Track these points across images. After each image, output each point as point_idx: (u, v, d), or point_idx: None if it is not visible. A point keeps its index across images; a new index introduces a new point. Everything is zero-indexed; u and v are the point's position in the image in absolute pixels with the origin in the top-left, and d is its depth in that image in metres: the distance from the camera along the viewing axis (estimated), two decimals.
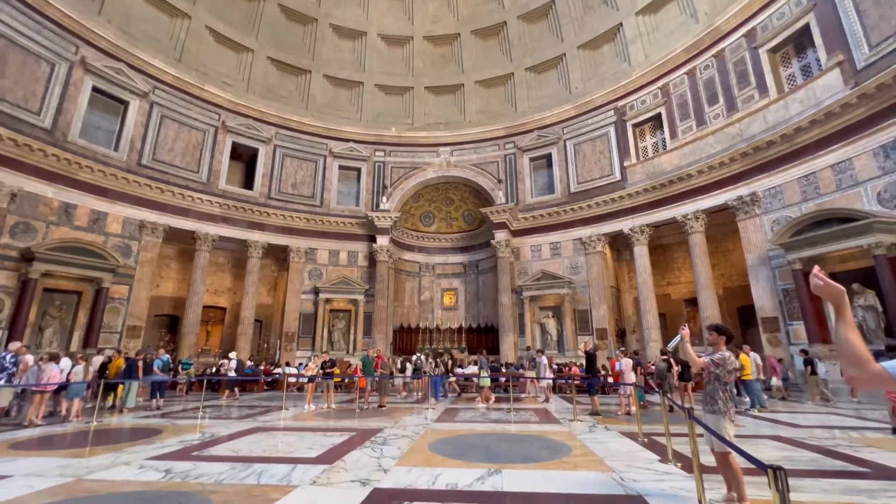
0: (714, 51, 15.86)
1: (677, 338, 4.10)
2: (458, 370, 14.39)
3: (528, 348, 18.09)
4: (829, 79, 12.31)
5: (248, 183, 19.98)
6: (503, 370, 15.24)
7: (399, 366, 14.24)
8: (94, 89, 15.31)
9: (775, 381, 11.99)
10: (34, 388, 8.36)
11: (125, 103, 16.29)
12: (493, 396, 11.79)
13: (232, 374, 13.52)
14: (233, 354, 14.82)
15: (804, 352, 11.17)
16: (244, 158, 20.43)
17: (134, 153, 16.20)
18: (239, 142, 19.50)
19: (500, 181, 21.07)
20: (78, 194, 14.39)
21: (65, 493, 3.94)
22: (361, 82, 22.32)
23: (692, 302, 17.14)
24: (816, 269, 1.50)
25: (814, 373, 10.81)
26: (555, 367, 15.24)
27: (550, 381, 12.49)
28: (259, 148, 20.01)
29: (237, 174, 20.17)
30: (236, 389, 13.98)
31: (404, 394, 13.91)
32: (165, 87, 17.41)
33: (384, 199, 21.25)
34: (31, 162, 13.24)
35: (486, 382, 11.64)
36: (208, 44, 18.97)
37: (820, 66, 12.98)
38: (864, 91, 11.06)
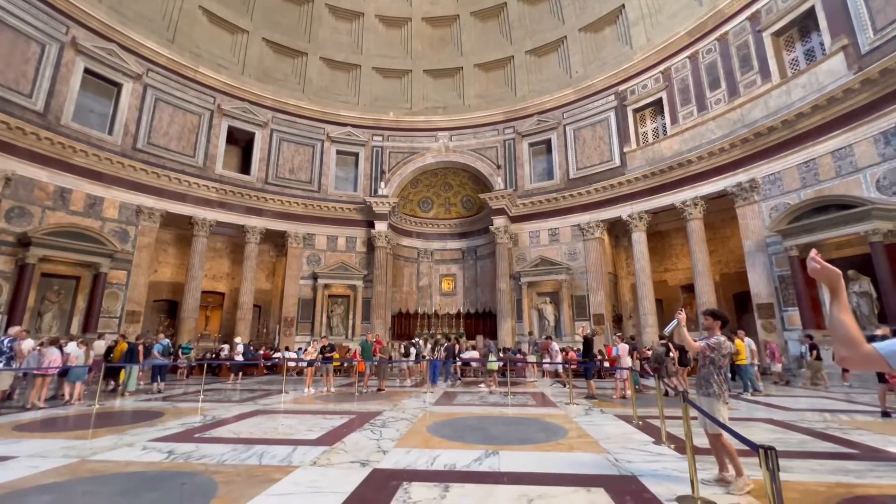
0: (717, 34, 15.61)
1: (674, 322, 4.14)
2: (464, 354, 14.52)
3: (529, 333, 18.26)
4: (833, 63, 12.16)
5: (245, 168, 19.80)
6: (501, 355, 15.38)
7: (403, 350, 14.30)
8: (87, 71, 15.02)
9: (775, 366, 12.13)
10: (35, 372, 8.43)
11: (118, 86, 16.00)
12: (497, 380, 11.80)
13: (239, 358, 13.70)
14: (239, 339, 14.97)
15: (809, 336, 11.28)
16: (241, 143, 20.20)
17: (129, 137, 15.99)
18: (235, 126, 19.26)
19: (498, 167, 20.94)
20: (73, 179, 14.25)
21: (69, 474, 4.00)
22: (359, 65, 21.95)
23: (689, 288, 17.26)
24: (813, 252, 1.51)
25: (818, 358, 10.95)
26: (551, 351, 15.39)
27: (560, 367, 12.61)
28: (255, 132, 19.77)
29: (234, 159, 19.96)
30: (240, 373, 14.18)
31: (409, 380, 13.88)
32: (159, 68, 17.09)
33: (382, 184, 21.13)
34: (24, 146, 13.07)
35: (495, 367, 11.69)
36: (202, 24, 18.56)
37: (824, 50, 12.82)
38: (867, 76, 10.95)
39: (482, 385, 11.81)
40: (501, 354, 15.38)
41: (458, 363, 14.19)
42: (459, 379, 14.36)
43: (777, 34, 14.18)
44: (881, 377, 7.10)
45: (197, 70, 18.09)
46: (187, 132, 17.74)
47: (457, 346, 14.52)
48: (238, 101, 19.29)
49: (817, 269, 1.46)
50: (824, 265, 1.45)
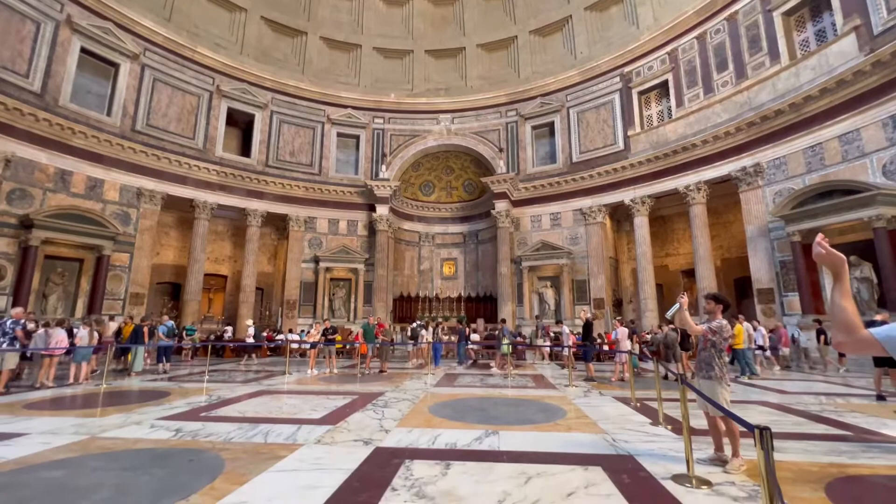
0: (726, 13, 15.23)
1: (675, 306, 4.17)
2: (474, 336, 14.65)
3: (536, 318, 18.39)
4: (844, 45, 11.89)
5: (246, 150, 19.63)
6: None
7: (410, 334, 14.41)
8: (83, 51, 14.77)
9: (784, 350, 12.22)
10: (42, 352, 8.55)
11: (115, 66, 15.75)
12: (511, 363, 11.70)
13: (250, 340, 13.96)
14: (250, 321, 15.22)
15: (818, 321, 11.39)
16: (240, 125, 19.98)
17: (127, 118, 15.82)
18: (234, 107, 19.01)
19: (501, 150, 20.73)
20: (72, 160, 14.16)
21: (80, 450, 4.10)
22: (359, 45, 21.51)
23: (690, 273, 17.28)
24: (820, 236, 1.51)
25: (827, 343, 11.07)
26: (552, 334, 15.54)
27: (566, 350, 12.70)
28: (255, 114, 19.54)
29: (234, 141, 19.78)
30: (253, 355, 14.60)
31: (410, 363, 13.98)
32: (156, 48, 16.79)
33: (383, 167, 20.97)
34: (23, 127, 12.96)
35: (507, 350, 11.79)
36: (199, 2, 18.13)
37: (835, 30, 12.51)
38: (878, 58, 10.72)
39: (493, 367, 12.00)
40: None
41: (470, 346, 14.27)
42: (471, 360, 14.29)
43: (788, 14, 13.83)
44: (877, 361, 7.17)
45: (195, 50, 17.77)
46: (186, 113, 17.54)
47: (467, 330, 14.65)
48: (237, 81, 19.00)
49: (822, 253, 1.47)
50: (830, 250, 1.45)
